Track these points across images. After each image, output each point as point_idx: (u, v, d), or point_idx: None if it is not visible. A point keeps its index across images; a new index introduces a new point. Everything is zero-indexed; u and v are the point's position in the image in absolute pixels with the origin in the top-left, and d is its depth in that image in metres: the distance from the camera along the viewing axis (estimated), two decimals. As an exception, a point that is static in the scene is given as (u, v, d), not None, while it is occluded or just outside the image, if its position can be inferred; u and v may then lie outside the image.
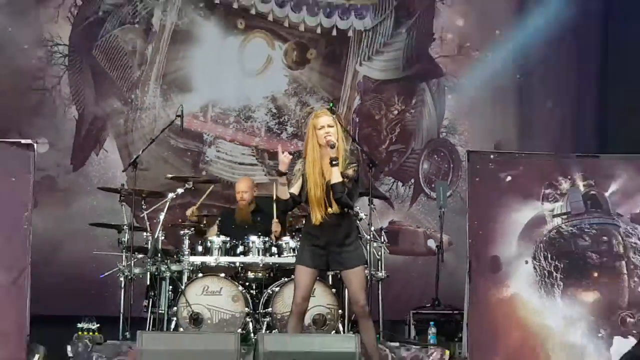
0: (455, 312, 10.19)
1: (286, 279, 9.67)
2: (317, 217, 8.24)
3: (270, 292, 9.82)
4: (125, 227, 10.04)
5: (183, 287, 9.71)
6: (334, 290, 9.64)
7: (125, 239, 9.99)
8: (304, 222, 8.70)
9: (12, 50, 11.81)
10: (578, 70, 12.16)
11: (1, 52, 11.78)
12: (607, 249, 9.39)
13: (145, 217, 10.10)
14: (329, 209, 8.21)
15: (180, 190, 10.15)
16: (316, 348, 8.45)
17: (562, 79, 12.11)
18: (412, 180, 12.10)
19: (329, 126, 8.22)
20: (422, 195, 12.02)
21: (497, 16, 12.25)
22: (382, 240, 10.26)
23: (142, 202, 10.18)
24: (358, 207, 8.89)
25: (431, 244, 11.41)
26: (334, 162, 8.11)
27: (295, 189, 8.30)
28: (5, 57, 11.80)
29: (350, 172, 8.25)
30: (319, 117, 8.36)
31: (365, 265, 8.95)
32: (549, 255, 9.33)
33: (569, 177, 9.47)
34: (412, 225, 11.94)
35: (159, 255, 9.92)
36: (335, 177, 8.14)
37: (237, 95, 12.17)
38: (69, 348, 9.30)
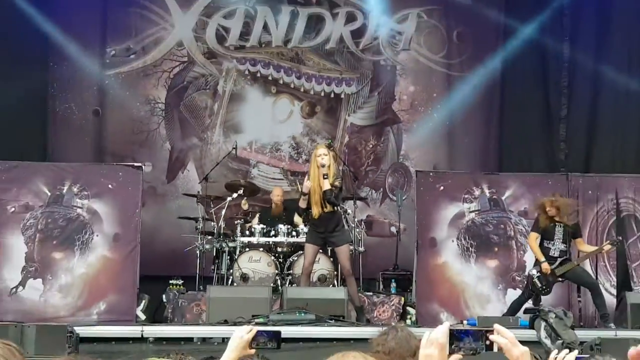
0: (408, 273, 10.12)
1: (301, 252, 9.60)
2: (316, 213, 8.25)
3: (291, 260, 9.79)
4: (200, 218, 10.05)
5: (236, 257, 9.67)
6: (331, 259, 9.60)
7: (200, 226, 10.00)
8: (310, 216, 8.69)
9: (129, 106, 11.77)
10: (486, 118, 12.01)
11: (122, 108, 11.75)
12: (503, 233, 9.40)
13: (213, 212, 10.06)
14: (324, 208, 8.22)
15: (234, 195, 10.11)
16: (320, 296, 8.52)
17: (475, 124, 11.99)
18: (381, 189, 12.00)
19: (324, 154, 8.25)
20: (388, 198, 11.93)
21: (435, 86, 12.15)
22: (362, 227, 10.23)
23: (211, 203, 10.16)
24: (347, 206, 8.85)
25: (393, 229, 11.35)
26: (324, 176, 8.14)
27: (307, 199, 8.34)
28: (125, 111, 11.76)
29: (337, 183, 8.28)
30: (318, 149, 8.42)
31: (350, 243, 8.98)
32: (467, 237, 9.35)
33: (479, 187, 9.48)
34: (381, 218, 11.87)
35: (221, 236, 9.89)
36: (326, 186, 8.15)
37: (271, 135, 12.05)
38: (163, 296, 9.39)
